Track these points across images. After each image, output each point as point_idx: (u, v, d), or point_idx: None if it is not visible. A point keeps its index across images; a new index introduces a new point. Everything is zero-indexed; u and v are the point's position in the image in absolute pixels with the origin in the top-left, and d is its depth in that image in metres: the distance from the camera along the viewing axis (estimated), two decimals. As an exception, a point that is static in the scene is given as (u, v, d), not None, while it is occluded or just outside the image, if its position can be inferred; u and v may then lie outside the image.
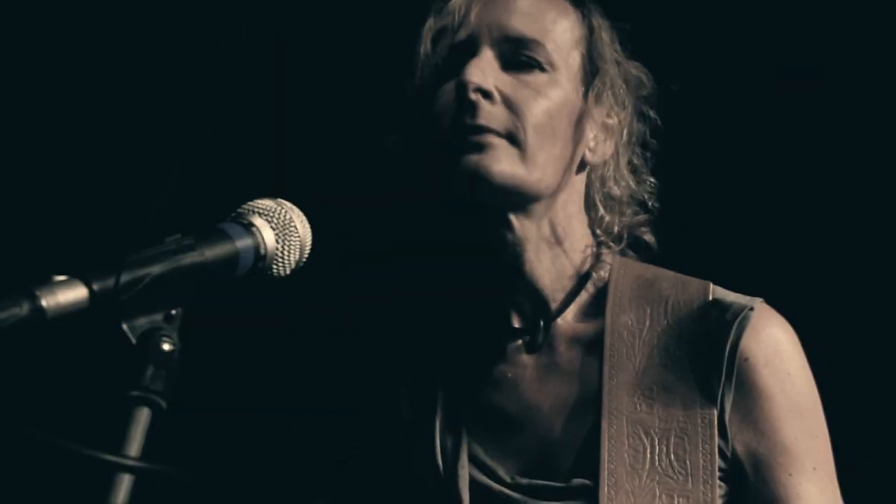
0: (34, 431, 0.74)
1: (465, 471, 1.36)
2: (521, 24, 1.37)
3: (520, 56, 1.37)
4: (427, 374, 1.46)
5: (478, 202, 1.36)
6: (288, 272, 1.02)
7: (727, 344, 1.32)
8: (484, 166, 1.31)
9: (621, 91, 1.46)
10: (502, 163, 1.32)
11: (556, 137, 1.37)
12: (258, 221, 1.00)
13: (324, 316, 2.12)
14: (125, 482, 0.79)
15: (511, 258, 1.39)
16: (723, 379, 1.32)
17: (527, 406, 1.38)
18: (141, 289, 0.86)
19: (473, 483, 1.36)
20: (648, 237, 1.49)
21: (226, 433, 2.29)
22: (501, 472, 1.35)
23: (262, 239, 0.99)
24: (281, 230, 1.01)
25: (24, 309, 0.78)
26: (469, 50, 1.36)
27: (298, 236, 1.02)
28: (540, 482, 1.33)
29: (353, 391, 1.58)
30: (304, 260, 1.04)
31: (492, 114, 1.33)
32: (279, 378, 2.22)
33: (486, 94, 1.33)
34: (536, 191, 1.36)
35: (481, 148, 1.32)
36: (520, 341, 1.41)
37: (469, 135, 1.32)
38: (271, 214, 1.01)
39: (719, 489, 1.31)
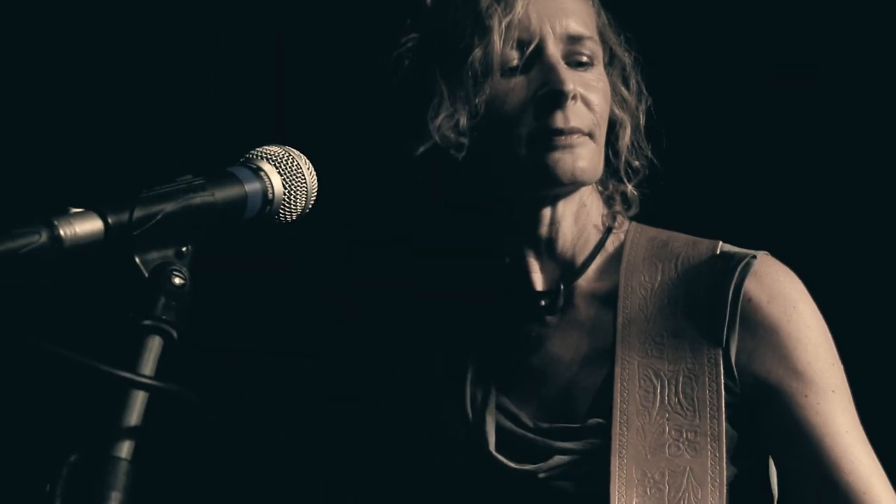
0: (50, 344, 0.77)
1: (492, 417, 1.44)
2: (577, 22, 1.43)
3: (580, 55, 1.43)
4: (458, 337, 1.54)
5: (553, 194, 1.44)
6: (294, 218, 1.06)
7: (731, 287, 1.40)
8: (580, 167, 1.39)
9: (630, 70, 1.53)
10: (589, 160, 1.41)
11: (606, 127, 1.46)
12: (266, 167, 1.03)
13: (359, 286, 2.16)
14: (139, 401, 0.83)
15: (546, 232, 1.47)
16: (727, 319, 1.38)
17: (549, 360, 1.47)
18: (153, 224, 0.89)
19: (499, 428, 1.44)
20: (635, 204, 1.54)
21: (246, 376, 2.34)
22: (525, 418, 1.44)
23: (271, 183, 1.02)
24: (288, 176, 1.04)
25: (43, 237, 0.82)
26: (535, 48, 1.40)
27: (305, 183, 1.06)
28: (559, 425, 1.41)
29: (386, 350, 1.63)
30: (310, 207, 1.07)
31: (578, 115, 1.40)
32: (314, 327, 2.26)
33: (574, 97, 1.39)
34: (596, 179, 1.47)
35: (573, 147, 1.39)
36: (542, 301, 1.48)
37: (563, 135, 1.38)
38: (279, 160, 1.04)
39: (734, 435, 1.37)
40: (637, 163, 1.52)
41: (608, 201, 1.53)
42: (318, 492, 1.74)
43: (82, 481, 0.78)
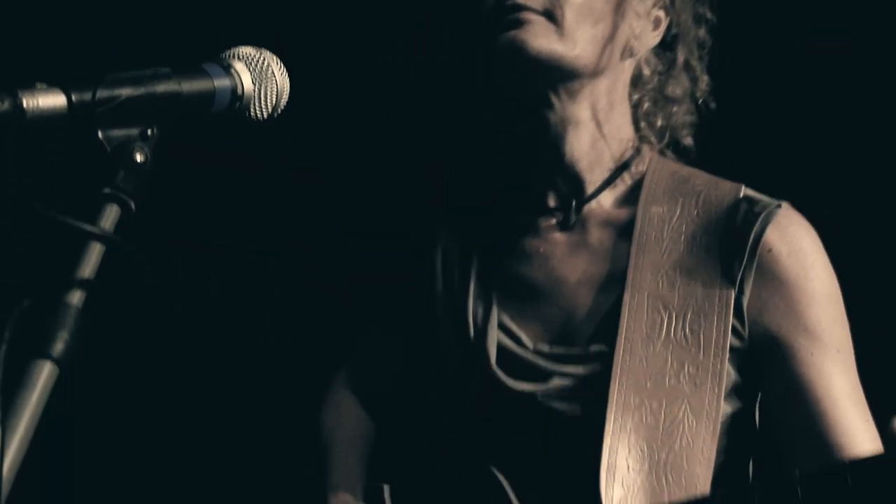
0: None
1: (493, 333, 1.45)
2: None
3: None
4: (464, 246, 1.55)
5: (517, 78, 1.43)
6: (265, 117, 1.10)
7: (752, 233, 1.39)
8: (520, 40, 1.38)
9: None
10: (539, 38, 1.39)
11: (596, 17, 1.42)
12: (238, 65, 1.08)
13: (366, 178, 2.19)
14: (94, 255, 0.89)
15: (552, 139, 1.46)
16: (744, 263, 1.38)
17: (554, 279, 1.47)
18: (116, 106, 0.96)
19: (500, 347, 1.45)
20: (688, 141, 1.55)
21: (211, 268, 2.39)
22: (525, 339, 1.44)
23: (240, 81, 1.07)
24: (259, 76, 1.09)
25: (6, 105, 0.89)
26: None
27: (276, 84, 1.11)
28: (560, 349, 1.42)
29: (389, 251, 1.66)
30: (282, 107, 1.12)
31: None
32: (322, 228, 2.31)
33: None
34: (574, 67, 1.42)
35: (519, 24, 1.38)
36: (553, 220, 1.49)
37: (507, 13, 1.38)
38: (251, 60, 1.09)
39: (734, 377, 1.38)
40: (669, 89, 1.50)
41: (638, 126, 1.51)
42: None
43: (33, 324, 0.84)
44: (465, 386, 1.47)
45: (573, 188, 1.48)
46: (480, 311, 1.48)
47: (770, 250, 1.39)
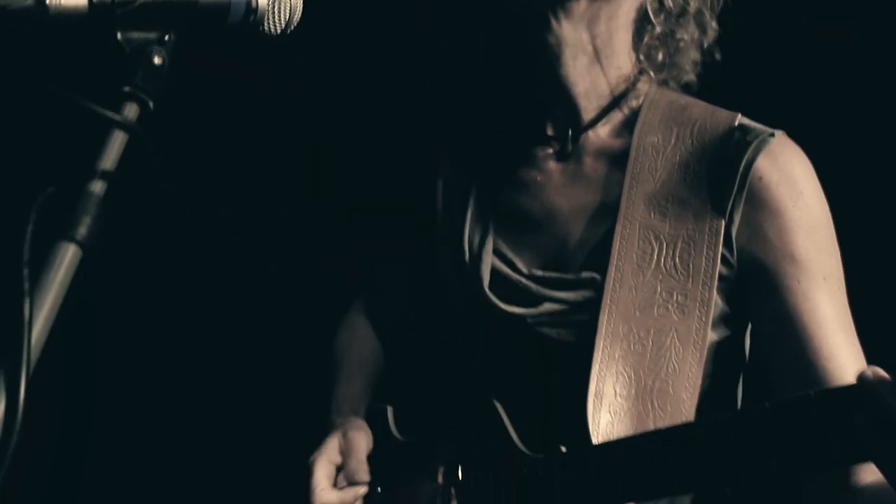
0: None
1: (488, 258, 1.48)
2: None
3: None
4: (464, 175, 1.57)
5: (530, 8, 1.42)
6: (278, 32, 1.13)
7: (743, 160, 1.39)
8: None
9: None
10: None
11: None
12: (253, -19, 1.11)
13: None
14: (116, 145, 0.91)
15: (549, 61, 1.46)
16: (734, 191, 1.38)
17: (549, 208, 1.49)
18: (134, 9, 0.98)
19: (494, 271, 1.48)
20: (690, 78, 1.54)
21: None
22: (519, 264, 1.47)
23: (256, -4, 1.10)
24: (274, -7, 1.12)
25: (30, 0, 0.91)
26: None
27: (290, 3, 1.13)
28: (553, 274, 1.44)
29: (388, 172, 1.69)
30: (294, 24, 1.14)
31: None
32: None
33: None
34: None
35: None
36: (550, 149, 1.51)
37: None
38: (266, -24, 1.12)
39: (723, 306, 1.38)
40: (677, 32, 1.50)
41: (638, 59, 1.50)
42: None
43: (57, 210, 0.86)
44: (461, 310, 1.50)
45: (570, 117, 1.49)
46: (477, 237, 1.51)
47: (760, 178, 1.38)
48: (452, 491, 1.44)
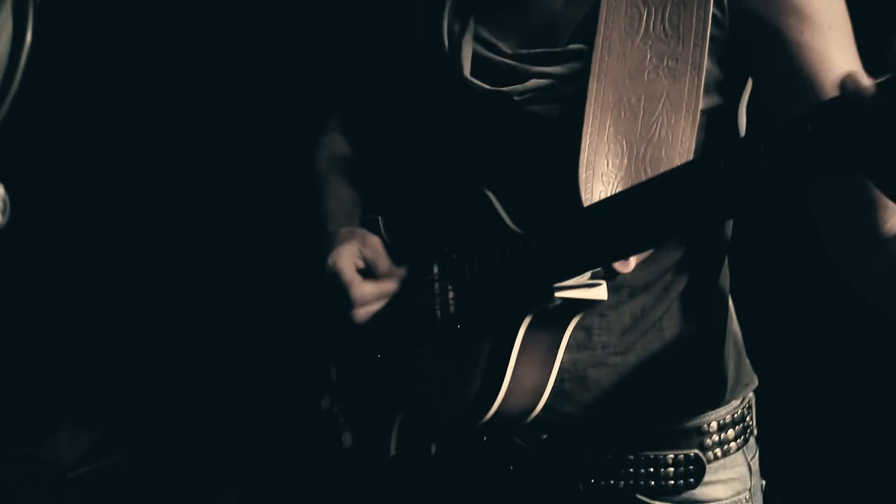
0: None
1: (469, 45, 1.44)
2: None
3: None
4: None
5: None
6: None
7: None
8: None
9: None
10: None
11: None
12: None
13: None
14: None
15: None
16: None
17: None
18: None
19: (476, 56, 1.44)
20: None
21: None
22: (503, 46, 1.43)
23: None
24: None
25: None
26: None
27: None
28: (539, 49, 1.40)
29: None
30: None
31: None
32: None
33: None
34: None
35: None
36: None
37: None
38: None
39: (716, 71, 1.33)
40: None
41: None
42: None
43: None
44: (443, 103, 1.47)
45: None
46: (457, 26, 1.47)
47: None
48: (449, 286, 1.45)
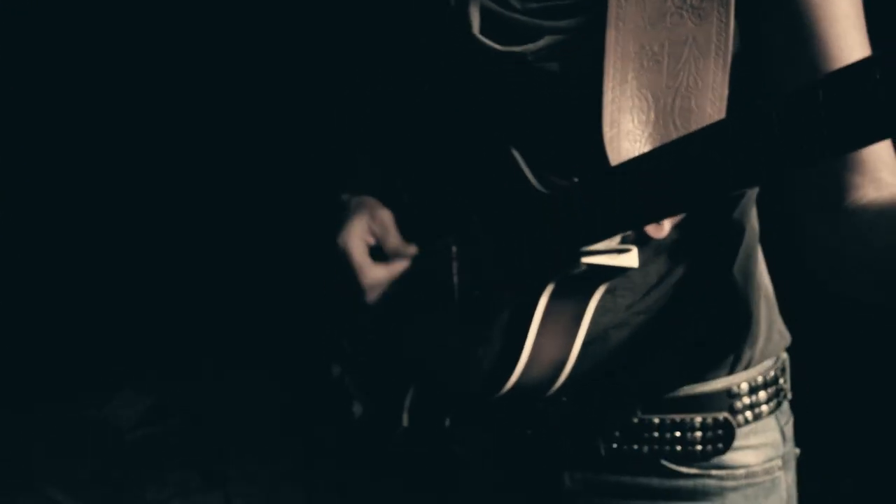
0: None
1: (476, 1, 1.33)
2: None
3: None
4: None
5: None
6: None
7: None
8: None
9: None
10: None
11: None
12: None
13: None
14: None
15: None
16: None
17: None
18: None
19: (484, 11, 1.33)
20: None
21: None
22: (513, 1, 1.32)
23: None
24: None
25: None
26: None
27: None
28: (550, 2, 1.30)
29: None
30: None
31: None
32: None
33: None
34: None
35: None
36: None
37: None
38: None
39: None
40: None
41: None
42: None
43: None
44: (448, 58, 1.37)
45: None
46: None
47: None
48: (467, 250, 1.36)
